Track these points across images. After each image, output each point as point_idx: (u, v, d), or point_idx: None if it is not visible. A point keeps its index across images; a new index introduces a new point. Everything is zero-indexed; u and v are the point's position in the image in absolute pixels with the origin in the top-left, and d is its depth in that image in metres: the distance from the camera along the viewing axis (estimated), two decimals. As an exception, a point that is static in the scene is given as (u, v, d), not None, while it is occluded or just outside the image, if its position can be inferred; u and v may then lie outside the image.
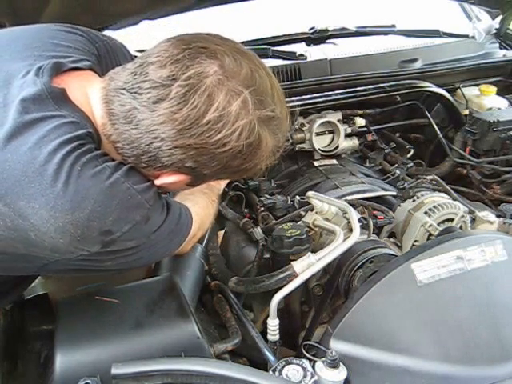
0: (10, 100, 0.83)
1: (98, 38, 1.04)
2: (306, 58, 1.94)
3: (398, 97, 1.93)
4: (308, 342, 1.05)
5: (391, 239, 1.44)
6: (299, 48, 2.01)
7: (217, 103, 0.81)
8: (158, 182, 0.90)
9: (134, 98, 0.83)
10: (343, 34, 2.13)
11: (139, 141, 0.84)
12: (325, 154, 1.84)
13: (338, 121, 1.83)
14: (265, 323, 1.10)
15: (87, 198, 0.79)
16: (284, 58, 1.93)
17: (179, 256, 1.26)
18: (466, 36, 2.23)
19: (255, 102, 0.84)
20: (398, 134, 2.11)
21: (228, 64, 0.83)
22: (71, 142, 0.81)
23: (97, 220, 0.80)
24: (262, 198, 1.60)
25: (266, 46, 1.92)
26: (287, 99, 1.69)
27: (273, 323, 1.06)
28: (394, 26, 2.20)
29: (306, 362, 0.93)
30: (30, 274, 0.99)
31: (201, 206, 1.15)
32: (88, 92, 0.91)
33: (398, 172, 1.77)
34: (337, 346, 0.97)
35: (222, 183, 1.33)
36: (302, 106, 1.72)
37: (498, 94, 2.04)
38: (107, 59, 1.01)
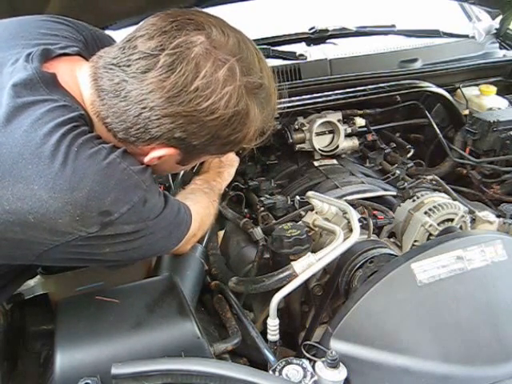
0: (1, 87, 0.84)
1: (84, 27, 1.06)
2: (306, 58, 1.94)
3: (397, 97, 1.93)
4: (308, 342, 1.05)
5: (391, 239, 1.44)
6: (299, 48, 2.00)
7: (204, 71, 0.82)
8: (147, 158, 0.91)
9: (122, 71, 0.84)
10: (343, 33, 2.12)
11: (127, 113, 0.84)
12: (325, 153, 1.84)
13: (338, 121, 1.83)
14: (265, 323, 1.10)
15: (85, 177, 0.80)
16: (284, 58, 1.93)
17: (179, 256, 1.26)
18: (466, 36, 2.23)
19: (242, 70, 0.86)
20: (398, 134, 2.11)
21: (215, 35, 0.85)
22: (65, 124, 0.82)
23: (95, 200, 0.80)
24: (262, 198, 1.60)
25: (266, 46, 1.92)
26: (287, 99, 1.71)
27: (273, 323, 1.06)
28: (394, 26, 2.20)
29: (305, 362, 0.93)
30: (28, 266, 0.98)
31: (201, 205, 1.15)
32: (77, 75, 0.91)
33: (398, 172, 1.77)
34: (337, 345, 0.97)
35: (224, 183, 1.33)
36: (301, 105, 1.73)
37: (498, 93, 2.04)
38: (94, 47, 1.01)
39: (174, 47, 0.82)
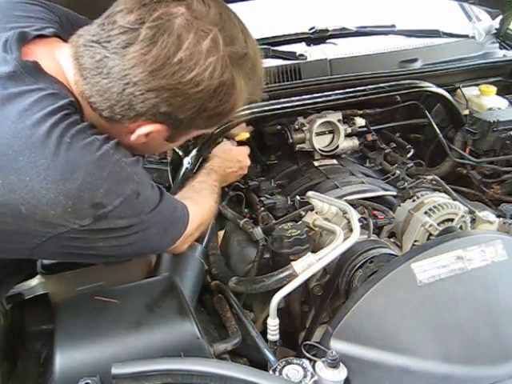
0: None
1: (59, 8, 1.04)
2: (305, 58, 1.94)
3: (398, 97, 1.93)
4: (308, 342, 1.05)
5: (391, 239, 1.44)
6: (299, 48, 2.00)
7: (187, 42, 0.81)
8: (134, 136, 0.89)
9: (103, 47, 0.82)
10: (343, 33, 2.12)
11: (111, 90, 0.83)
12: (325, 153, 1.84)
13: (338, 121, 1.83)
14: (265, 323, 1.10)
15: (78, 168, 0.79)
16: (284, 58, 1.93)
17: (177, 255, 1.26)
18: (466, 36, 2.23)
19: (225, 40, 0.84)
20: (398, 134, 2.11)
21: (196, 5, 0.83)
22: (55, 113, 0.81)
23: (88, 191, 0.80)
24: (262, 198, 1.60)
25: (266, 46, 1.92)
26: (287, 99, 1.71)
27: (273, 323, 1.06)
28: (394, 25, 2.20)
29: (306, 362, 0.93)
30: (24, 261, 0.95)
31: (203, 206, 1.14)
32: (57, 56, 0.90)
33: (398, 172, 1.77)
34: (337, 345, 0.97)
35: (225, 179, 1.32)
36: (301, 106, 1.73)
37: (498, 93, 2.04)
38: (70, 27, 0.99)
39: (155, 20, 0.80)
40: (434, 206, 1.34)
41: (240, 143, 1.68)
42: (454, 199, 1.46)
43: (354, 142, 1.90)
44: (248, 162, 1.49)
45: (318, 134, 1.82)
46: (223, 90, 0.86)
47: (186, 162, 1.53)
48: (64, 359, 0.89)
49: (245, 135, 1.69)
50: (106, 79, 0.83)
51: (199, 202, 1.14)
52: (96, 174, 0.81)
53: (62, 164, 0.79)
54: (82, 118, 0.86)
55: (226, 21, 0.86)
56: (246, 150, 1.56)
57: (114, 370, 0.84)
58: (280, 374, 0.91)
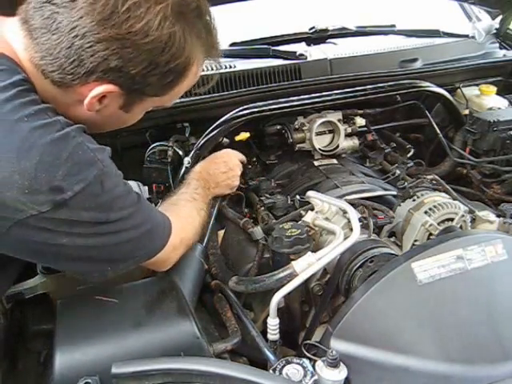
0: None
1: None
2: (306, 58, 1.94)
3: (398, 96, 1.93)
4: (308, 342, 1.05)
5: (391, 239, 1.44)
6: (299, 48, 2.01)
7: None
8: (86, 101, 0.86)
9: (53, 4, 0.80)
10: (343, 33, 2.13)
11: (60, 45, 0.81)
12: (325, 153, 1.84)
13: (338, 120, 1.83)
14: (265, 322, 1.10)
15: (35, 147, 0.75)
16: (284, 58, 1.93)
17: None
18: (466, 36, 2.24)
19: None
20: (398, 134, 2.11)
21: None
22: (8, 89, 0.77)
23: (45, 172, 0.76)
24: (262, 198, 1.60)
25: (266, 46, 1.92)
26: (287, 99, 1.71)
27: (273, 322, 1.06)
28: (394, 25, 2.21)
29: (306, 362, 0.92)
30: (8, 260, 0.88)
31: (186, 219, 1.07)
32: (3, 30, 0.86)
33: (398, 172, 1.77)
34: (337, 345, 0.97)
35: (215, 191, 1.26)
36: (301, 105, 1.73)
37: (498, 93, 2.04)
38: None
39: None
40: (434, 206, 1.34)
41: (240, 143, 1.68)
42: (454, 199, 1.46)
43: (354, 142, 1.90)
44: (238, 171, 1.41)
45: (318, 134, 1.82)
46: (174, 43, 0.83)
47: (186, 161, 1.53)
48: (64, 359, 0.89)
49: (245, 135, 1.69)
50: (55, 35, 0.80)
51: (181, 213, 1.07)
52: (55, 154, 0.77)
53: (18, 141, 0.75)
54: (43, 101, 0.82)
55: None
56: (233, 154, 1.46)
57: (115, 370, 0.84)
58: (280, 373, 0.91)
